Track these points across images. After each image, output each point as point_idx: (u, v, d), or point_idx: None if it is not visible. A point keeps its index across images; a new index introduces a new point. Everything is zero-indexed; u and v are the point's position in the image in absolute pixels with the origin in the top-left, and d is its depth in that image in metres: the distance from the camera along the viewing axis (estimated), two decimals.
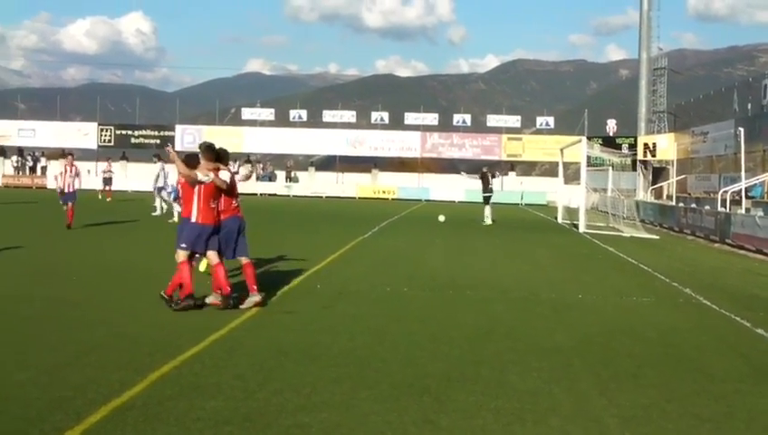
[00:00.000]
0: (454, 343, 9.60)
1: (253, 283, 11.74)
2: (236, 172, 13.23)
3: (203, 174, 11.35)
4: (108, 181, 48.94)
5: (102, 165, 54.90)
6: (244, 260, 11.95)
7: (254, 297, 11.61)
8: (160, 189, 32.41)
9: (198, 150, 11.94)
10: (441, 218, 33.40)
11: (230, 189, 11.80)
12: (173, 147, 13.49)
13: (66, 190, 24.90)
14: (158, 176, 32.35)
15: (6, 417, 6.37)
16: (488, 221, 34.60)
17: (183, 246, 11.42)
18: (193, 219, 11.42)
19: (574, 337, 10.30)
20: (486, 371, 8.32)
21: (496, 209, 37.09)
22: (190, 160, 11.73)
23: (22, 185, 66.76)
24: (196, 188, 11.35)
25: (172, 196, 28.21)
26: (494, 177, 37.04)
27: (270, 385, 7.46)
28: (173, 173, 25.66)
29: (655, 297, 14.31)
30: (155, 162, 34.43)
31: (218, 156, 11.84)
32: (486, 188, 35.73)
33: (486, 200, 35.59)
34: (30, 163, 72.82)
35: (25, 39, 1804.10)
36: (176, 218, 27.01)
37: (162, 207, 32.99)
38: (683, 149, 52.76)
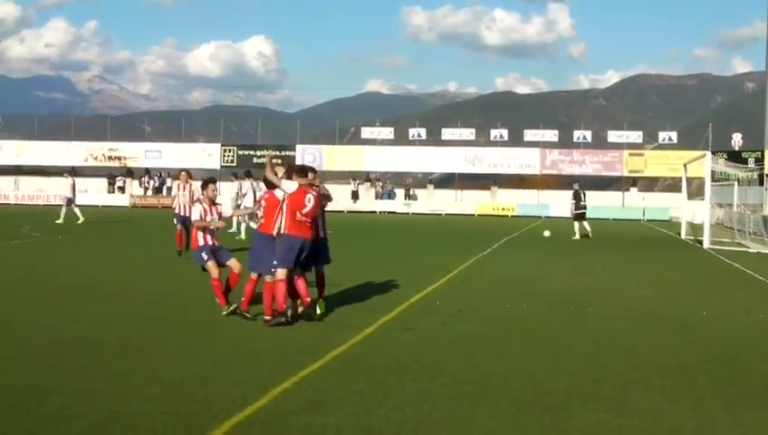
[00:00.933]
0: (575, 361, 9.51)
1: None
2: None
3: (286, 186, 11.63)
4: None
5: (231, 185, 55.44)
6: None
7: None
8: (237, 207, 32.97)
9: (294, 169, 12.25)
10: (546, 234, 33.38)
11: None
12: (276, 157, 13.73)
13: (179, 212, 22.55)
14: (237, 195, 32.36)
15: (133, 431, 6.54)
16: (577, 236, 34.55)
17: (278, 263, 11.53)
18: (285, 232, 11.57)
19: (699, 355, 10.07)
20: (608, 388, 8.21)
21: (617, 226, 36.53)
22: (293, 171, 12.07)
23: (148, 205, 68.60)
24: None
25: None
26: (584, 194, 36.67)
27: (389, 402, 7.49)
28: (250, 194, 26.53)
29: None
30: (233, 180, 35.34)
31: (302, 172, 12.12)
32: (579, 205, 35.65)
33: (581, 217, 35.47)
34: (156, 184, 74.79)
35: (152, 64, 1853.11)
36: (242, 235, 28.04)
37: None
38: None
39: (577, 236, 34.26)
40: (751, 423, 7.12)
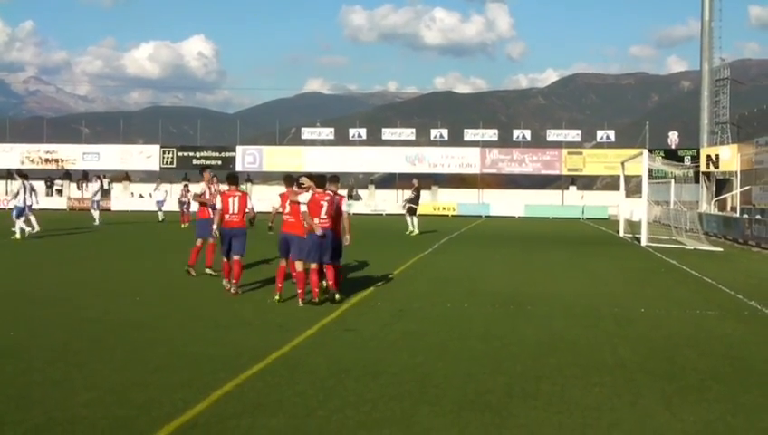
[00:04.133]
0: (515, 359, 9.57)
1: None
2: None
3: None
4: (187, 205, 46.03)
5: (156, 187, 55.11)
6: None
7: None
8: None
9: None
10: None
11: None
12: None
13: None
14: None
15: None
16: (417, 231, 35.21)
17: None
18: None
19: (637, 351, 10.19)
20: (548, 386, 8.28)
21: (557, 224, 36.78)
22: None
23: (86, 208, 67.57)
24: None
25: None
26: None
27: (331, 403, 7.49)
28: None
29: (719, 310, 14.11)
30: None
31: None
32: (415, 199, 36.69)
33: (413, 211, 36.23)
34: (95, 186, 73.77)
35: (90, 65, 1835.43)
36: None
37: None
38: (747, 160, 52.06)
39: (416, 231, 35.26)
40: (688, 418, 7.22)
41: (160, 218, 46.23)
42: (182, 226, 39.20)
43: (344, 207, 14.95)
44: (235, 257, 15.09)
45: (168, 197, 51.40)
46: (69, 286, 16.04)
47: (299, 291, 13.69)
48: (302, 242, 13.74)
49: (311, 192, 13.94)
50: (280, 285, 14.13)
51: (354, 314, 12.86)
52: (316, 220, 13.66)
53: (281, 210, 14.51)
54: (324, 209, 13.83)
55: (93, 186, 46.62)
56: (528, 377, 8.67)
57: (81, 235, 32.94)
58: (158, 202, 48.26)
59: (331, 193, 14.29)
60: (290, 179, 15.12)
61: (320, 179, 14.29)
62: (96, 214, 41.72)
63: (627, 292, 16.62)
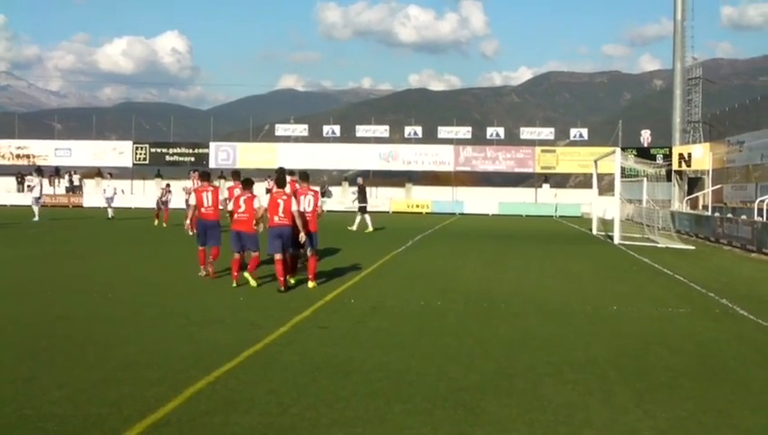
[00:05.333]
0: (488, 356, 9.59)
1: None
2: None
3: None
4: (165, 204, 42.62)
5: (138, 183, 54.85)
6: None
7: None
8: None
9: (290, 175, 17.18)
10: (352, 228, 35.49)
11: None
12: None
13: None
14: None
15: (43, 434, 6.41)
16: (371, 228, 35.69)
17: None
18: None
19: (609, 349, 10.24)
20: (521, 383, 8.30)
21: (530, 222, 36.86)
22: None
23: (59, 204, 67.22)
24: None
25: None
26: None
27: (304, 400, 7.47)
28: None
29: (691, 308, 14.20)
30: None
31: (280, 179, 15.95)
32: (363, 198, 37.22)
33: (363, 210, 36.79)
34: (67, 183, 73.35)
35: (62, 60, 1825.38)
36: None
37: None
38: (718, 159, 52.37)
39: (364, 227, 35.69)
40: (659, 414, 7.25)
41: (109, 215, 45.75)
42: (155, 223, 39.17)
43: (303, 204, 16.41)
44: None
45: (118, 194, 51.23)
46: (36, 283, 15.89)
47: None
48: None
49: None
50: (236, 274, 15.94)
51: (327, 312, 12.84)
52: (276, 218, 15.27)
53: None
54: (281, 207, 15.26)
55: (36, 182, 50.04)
56: (501, 374, 8.68)
57: (53, 231, 32.75)
58: (107, 199, 47.47)
59: (288, 193, 15.68)
60: (237, 175, 18.55)
61: (279, 178, 15.92)
62: (36, 209, 42.34)
63: (599, 289, 16.69)
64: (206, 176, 18.36)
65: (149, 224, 39.29)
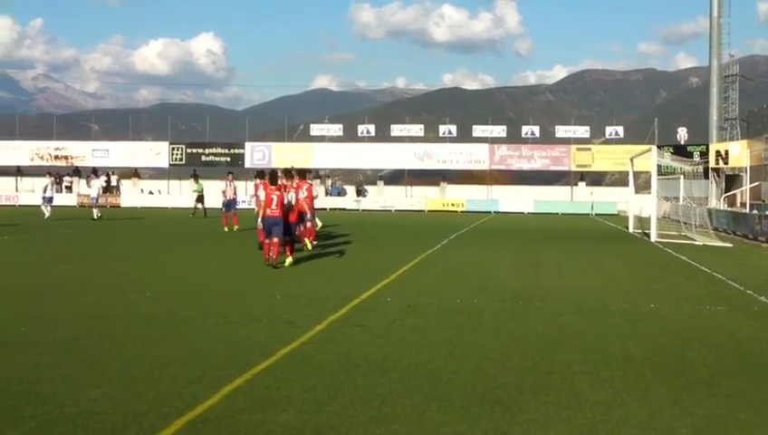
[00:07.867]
0: (524, 354, 9.57)
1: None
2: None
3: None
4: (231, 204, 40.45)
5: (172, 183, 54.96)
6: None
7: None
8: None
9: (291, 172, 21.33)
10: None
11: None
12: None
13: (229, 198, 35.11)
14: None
15: (83, 431, 6.46)
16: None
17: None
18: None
19: (647, 347, 10.17)
20: (557, 381, 8.28)
21: (566, 220, 36.65)
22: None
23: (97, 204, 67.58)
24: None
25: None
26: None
27: (340, 398, 7.49)
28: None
29: (729, 306, 14.08)
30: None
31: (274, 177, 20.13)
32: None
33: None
34: (104, 183, 73.85)
35: (99, 62, 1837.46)
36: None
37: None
38: (756, 156, 51.80)
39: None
40: (697, 413, 7.21)
41: (95, 216, 44.22)
42: (224, 229, 35.00)
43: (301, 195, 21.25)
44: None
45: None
46: (76, 283, 16.04)
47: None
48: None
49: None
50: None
51: (363, 310, 12.87)
52: (268, 210, 18.99)
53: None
54: (274, 201, 18.92)
55: (96, 182, 51.42)
56: (537, 372, 8.66)
57: (87, 230, 33.00)
58: (92, 198, 46.55)
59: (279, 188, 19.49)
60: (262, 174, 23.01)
61: (271, 177, 19.97)
62: (95, 210, 44.48)
63: (636, 287, 16.59)
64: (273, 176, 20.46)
65: (189, 222, 39.30)
